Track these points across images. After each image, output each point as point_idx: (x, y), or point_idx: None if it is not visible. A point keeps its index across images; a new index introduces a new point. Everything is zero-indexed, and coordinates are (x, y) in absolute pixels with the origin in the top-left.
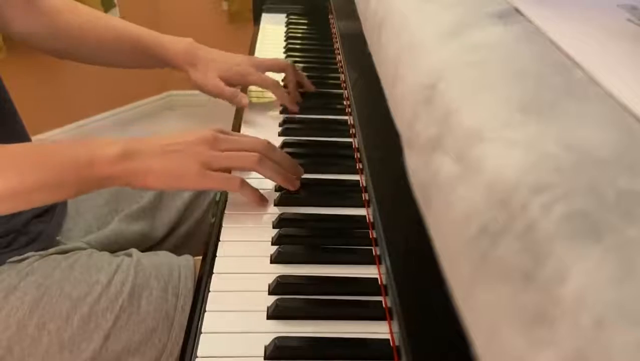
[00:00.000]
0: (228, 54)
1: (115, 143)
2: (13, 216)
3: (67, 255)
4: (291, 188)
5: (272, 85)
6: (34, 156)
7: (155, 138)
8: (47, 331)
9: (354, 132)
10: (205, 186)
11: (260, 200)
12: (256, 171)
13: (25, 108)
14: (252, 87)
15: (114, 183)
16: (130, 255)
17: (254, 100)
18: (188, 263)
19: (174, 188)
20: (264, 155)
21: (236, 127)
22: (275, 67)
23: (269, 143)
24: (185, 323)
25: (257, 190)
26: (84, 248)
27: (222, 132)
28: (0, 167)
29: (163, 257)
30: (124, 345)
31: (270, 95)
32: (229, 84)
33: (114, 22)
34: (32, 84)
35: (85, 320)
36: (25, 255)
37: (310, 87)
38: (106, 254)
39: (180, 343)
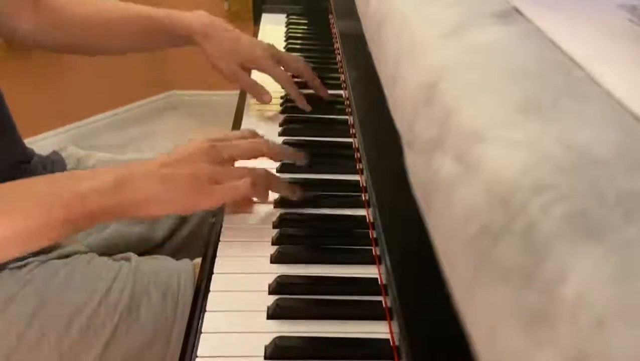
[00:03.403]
0: (245, 36)
1: (106, 172)
2: None
3: (66, 260)
4: (293, 198)
5: (284, 80)
6: (11, 199)
7: (149, 161)
8: (47, 341)
9: (354, 132)
10: (214, 203)
11: (249, 208)
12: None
13: (24, 109)
14: (252, 100)
15: (110, 217)
16: (129, 260)
17: (252, 113)
18: (187, 268)
19: (182, 213)
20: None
21: (236, 127)
22: (293, 66)
23: (266, 142)
24: (184, 330)
25: (267, 191)
26: (84, 252)
27: (217, 139)
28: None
29: (162, 263)
30: (123, 354)
31: (270, 110)
32: (243, 67)
33: (120, 4)
34: (31, 83)
35: (84, 329)
36: (25, 261)
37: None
38: (105, 259)
39: (180, 351)
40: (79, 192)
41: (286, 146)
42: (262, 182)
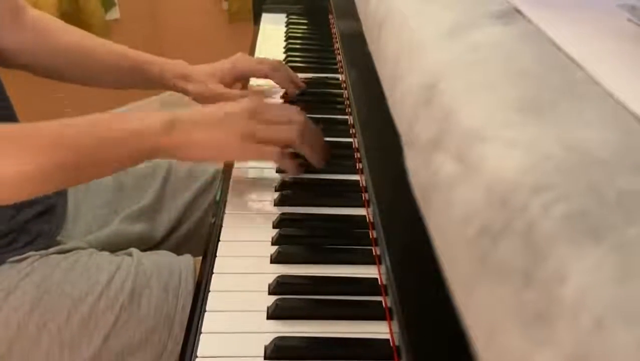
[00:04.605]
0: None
1: (153, 115)
2: (15, 215)
3: (67, 254)
4: (317, 167)
5: (267, 70)
6: (86, 133)
7: (198, 109)
8: (48, 331)
9: (354, 132)
10: (245, 157)
11: (299, 169)
12: (294, 145)
13: (25, 109)
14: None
15: (159, 155)
16: (130, 255)
17: (254, 88)
18: (188, 262)
19: (216, 160)
20: (303, 129)
21: None
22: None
23: (306, 117)
24: (185, 322)
25: (295, 160)
26: (85, 248)
27: (262, 103)
28: (58, 145)
29: (164, 257)
30: (124, 344)
31: (269, 82)
32: (226, 84)
33: (111, 44)
34: (30, 83)
35: (85, 319)
36: (26, 255)
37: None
38: (106, 254)
39: (181, 343)
40: (140, 129)
41: (321, 134)
42: (307, 135)
